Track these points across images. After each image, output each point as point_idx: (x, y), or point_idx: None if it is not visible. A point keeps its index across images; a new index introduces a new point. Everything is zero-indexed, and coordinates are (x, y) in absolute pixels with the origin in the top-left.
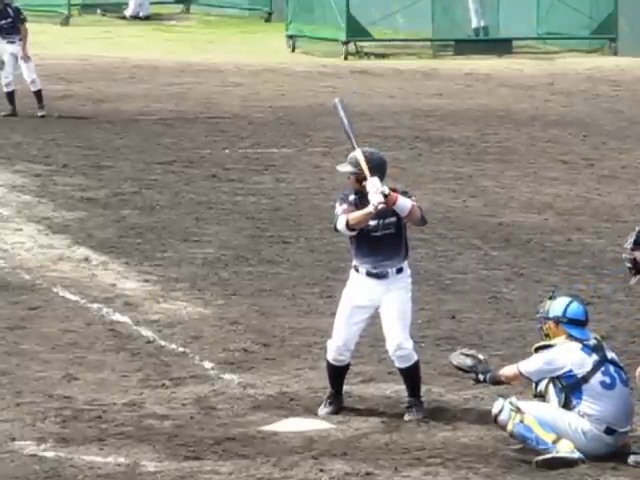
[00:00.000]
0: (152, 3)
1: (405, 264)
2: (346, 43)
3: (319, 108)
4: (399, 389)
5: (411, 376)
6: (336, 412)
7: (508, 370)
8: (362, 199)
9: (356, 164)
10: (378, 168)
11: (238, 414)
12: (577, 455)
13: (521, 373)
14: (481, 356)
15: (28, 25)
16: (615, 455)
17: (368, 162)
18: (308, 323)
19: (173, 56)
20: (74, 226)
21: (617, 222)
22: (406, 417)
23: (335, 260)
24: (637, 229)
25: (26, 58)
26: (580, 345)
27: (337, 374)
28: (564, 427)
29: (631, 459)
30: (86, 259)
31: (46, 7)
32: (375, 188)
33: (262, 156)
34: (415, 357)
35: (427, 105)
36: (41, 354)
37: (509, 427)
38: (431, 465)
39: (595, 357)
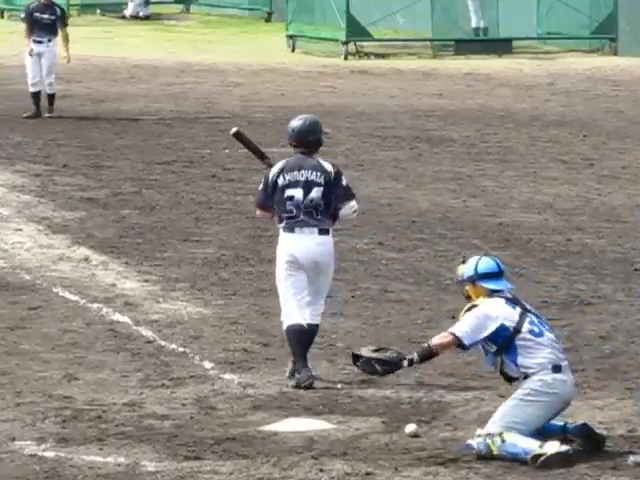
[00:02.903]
0: (152, 3)
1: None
2: (346, 43)
3: (319, 108)
4: (399, 389)
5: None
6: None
7: (440, 338)
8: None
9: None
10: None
11: (238, 414)
12: (565, 447)
13: (456, 337)
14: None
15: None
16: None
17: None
18: None
19: (173, 56)
20: (74, 226)
21: (617, 222)
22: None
23: (335, 260)
24: None
25: (67, 59)
26: (503, 300)
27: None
28: (529, 410)
29: (631, 459)
30: (86, 259)
31: None
32: None
33: None
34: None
35: (427, 105)
36: (41, 354)
37: (495, 453)
38: (431, 465)
39: (518, 308)
